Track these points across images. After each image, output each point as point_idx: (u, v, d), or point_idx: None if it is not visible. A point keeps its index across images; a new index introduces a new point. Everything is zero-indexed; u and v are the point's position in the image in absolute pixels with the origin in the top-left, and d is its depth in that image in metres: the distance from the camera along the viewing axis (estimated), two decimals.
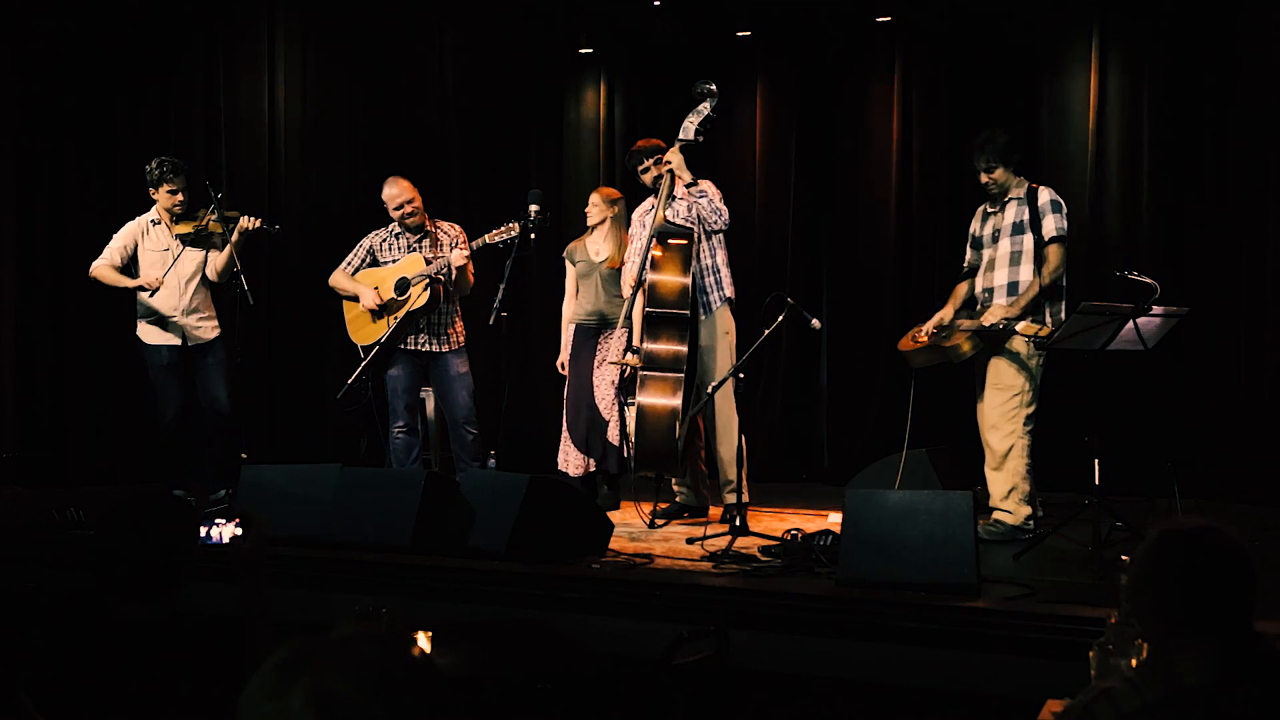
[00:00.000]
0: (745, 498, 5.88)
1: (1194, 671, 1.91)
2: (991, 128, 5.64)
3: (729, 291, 5.95)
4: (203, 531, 2.62)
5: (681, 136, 5.86)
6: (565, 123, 8.32)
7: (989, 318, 5.34)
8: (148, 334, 6.34)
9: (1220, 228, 6.69)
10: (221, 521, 2.66)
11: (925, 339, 5.63)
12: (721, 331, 5.91)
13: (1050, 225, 5.36)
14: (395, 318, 6.12)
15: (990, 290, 5.50)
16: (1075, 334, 4.98)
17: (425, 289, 6.10)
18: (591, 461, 6.30)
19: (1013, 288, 5.41)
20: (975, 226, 5.73)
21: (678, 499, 6.08)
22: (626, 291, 6.04)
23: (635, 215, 6.20)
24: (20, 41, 7.59)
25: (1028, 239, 5.40)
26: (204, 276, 6.37)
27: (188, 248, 6.30)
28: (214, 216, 6.25)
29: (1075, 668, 2.68)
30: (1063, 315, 5.34)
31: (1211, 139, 6.74)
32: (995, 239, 5.53)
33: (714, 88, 5.90)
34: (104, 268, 6.31)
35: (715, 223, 5.86)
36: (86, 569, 2.44)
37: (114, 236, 6.37)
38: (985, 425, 5.46)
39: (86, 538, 5.14)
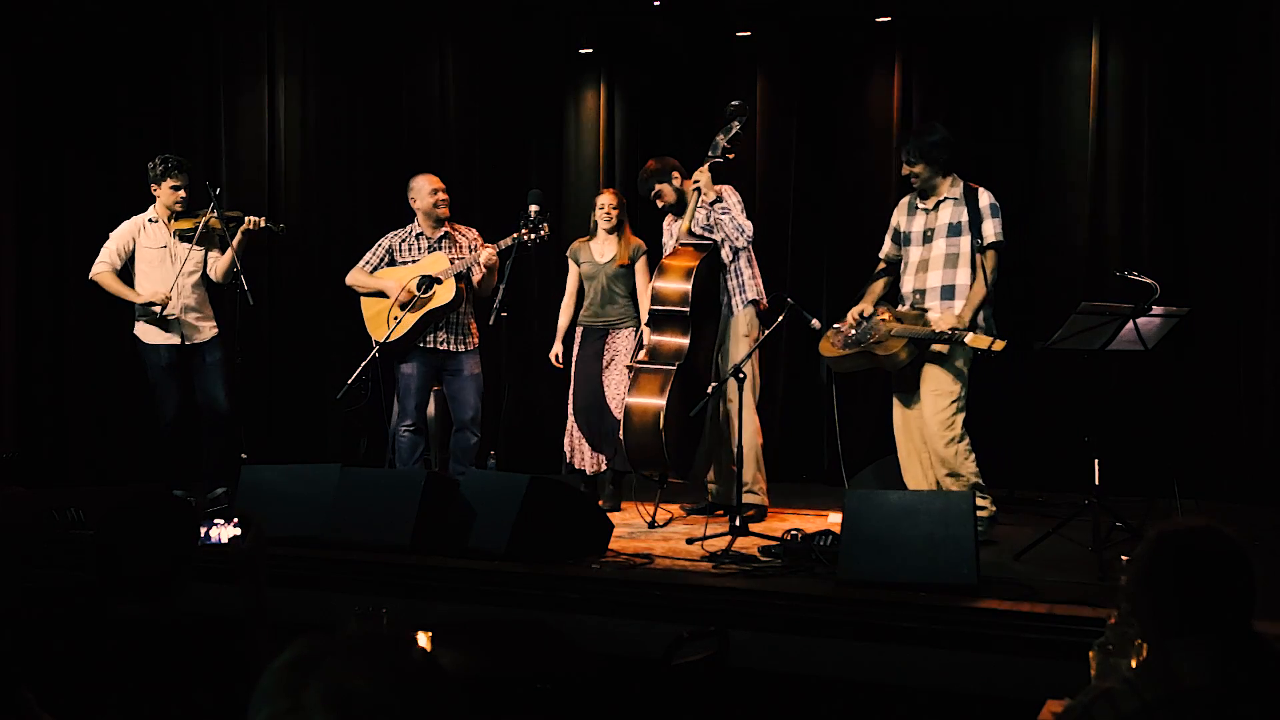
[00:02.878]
0: (763, 500, 5.90)
1: (1193, 672, 1.91)
2: (929, 122, 5.57)
3: (752, 294, 6.04)
4: (202, 531, 2.62)
5: (711, 154, 5.95)
6: (565, 123, 8.33)
7: (939, 325, 5.18)
8: (146, 333, 6.35)
9: (1220, 228, 6.69)
10: (221, 521, 2.66)
11: (848, 336, 5.42)
12: (741, 334, 5.97)
13: (990, 230, 5.25)
14: (417, 314, 6.11)
15: (921, 291, 5.37)
16: (1075, 334, 4.98)
17: (451, 287, 6.11)
18: (602, 460, 6.32)
19: (948, 290, 5.29)
20: (900, 219, 5.58)
21: (710, 497, 6.12)
22: (642, 291, 6.15)
23: (666, 224, 6.30)
24: (20, 41, 7.58)
25: (964, 241, 5.28)
26: (203, 275, 6.38)
27: (187, 246, 6.29)
28: (214, 215, 6.25)
29: (1075, 668, 2.68)
30: (993, 319, 5.30)
31: (1212, 139, 6.74)
32: (927, 239, 5.40)
33: (745, 105, 6.04)
34: (107, 275, 6.31)
35: (738, 240, 5.94)
36: (86, 569, 2.44)
37: (110, 237, 6.37)
38: (927, 433, 5.34)
39: (86, 538, 5.17)
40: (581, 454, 6.38)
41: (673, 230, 6.15)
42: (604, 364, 6.35)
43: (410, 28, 8.16)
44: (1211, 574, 1.96)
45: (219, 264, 6.32)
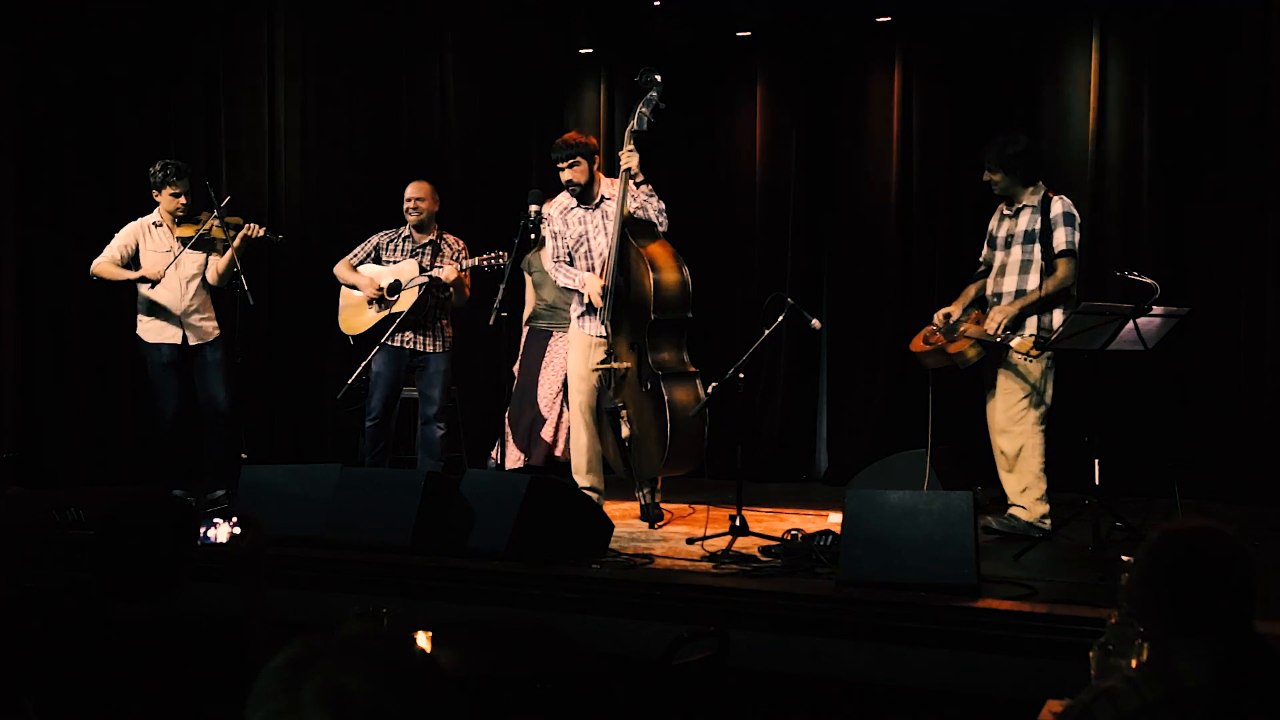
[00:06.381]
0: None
1: (1194, 672, 1.91)
2: (1012, 131, 5.69)
3: None
4: (202, 531, 2.62)
5: (636, 127, 5.79)
6: (565, 123, 8.32)
7: (990, 324, 5.38)
8: (148, 332, 6.38)
9: (1220, 228, 6.69)
10: (220, 521, 2.66)
11: (938, 339, 5.62)
12: None
13: (1060, 239, 5.36)
14: (380, 314, 6.37)
15: (999, 295, 5.53)
16: (1075, 334, 4.99)
17: (414, 295, 6.29)
18: (523, 457, 6.56)
19: (1020, 295, 5.43)
20: (993, 224, 5.73)
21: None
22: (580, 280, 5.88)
23: (555, 213, 5.98)
24: (21, 42, 7.58)
25: (1038, 249, 5.41)
26: (204, 277, 6.41)
27: (189, 249, 6.33)
28: (216, 221, 6.30)
29: (1075, 668, 2.68)
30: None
31: (1211, 139, 6.73)
32: (1008, 244, 5.54)
33: (658, 77, 5.82)
34: (105, 264, 6.38)
35: (662, 223, 5.85)
36: (86, 569, 2.44)
37: (115, 236, 6.44)
38: (995, 429, 5.50)
39: (86, 538, 5.17)
40: (507, 452, 6.56)
41: (571, 220, 5.91)
42: (543, 364, 6.54)
43: (410, 28, 8.15)
44: (1213, 574, 1.96)
45: (217, 266, 6.36)
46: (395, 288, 6.36)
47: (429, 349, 6.40)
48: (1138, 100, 6.89)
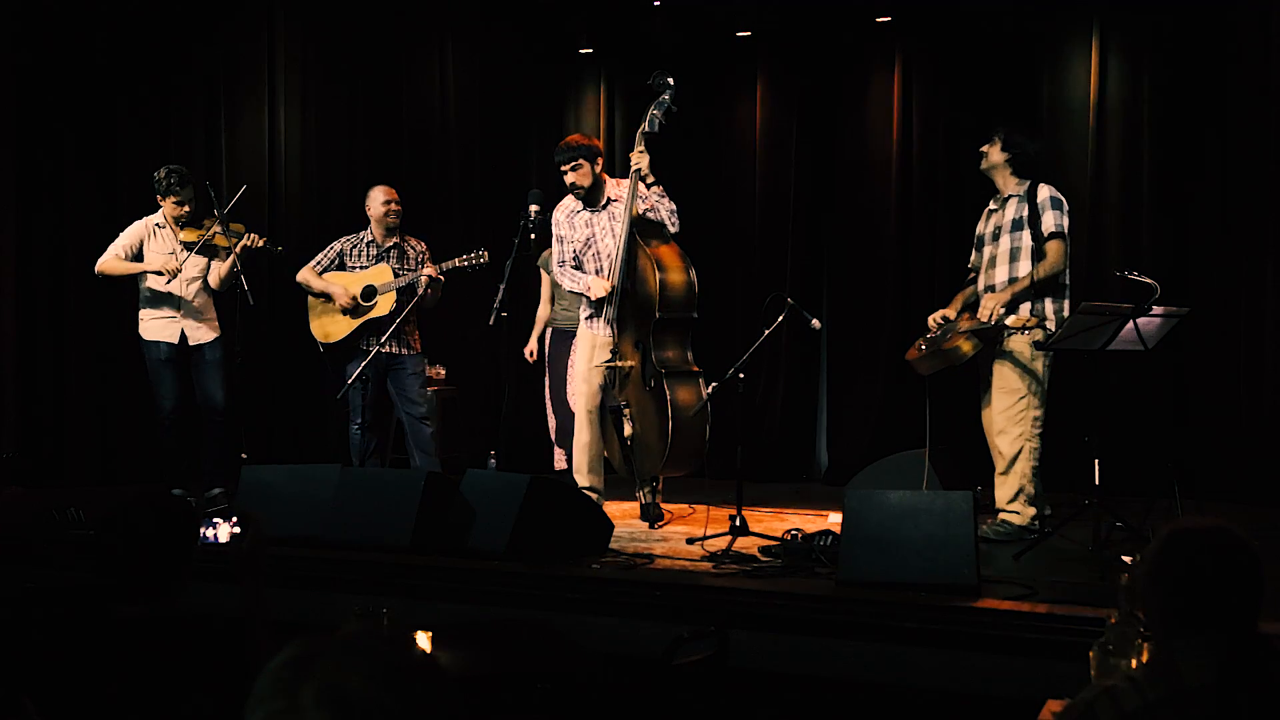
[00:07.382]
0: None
1: (1197, 671, 1.91)
2: (1036, 129, 5.74)
3: None
4: (202, 531, 2.63)
5: (647, 129, 5.79)
6: (565, 123, 8.33)
7: (982, 312, 5.35)
8: (148, 330, 6.42)
9: (1220, 227, 6.70)
10: (219, 521, 2.67)
11: (930, 340, 5.60)
12: None
13: (1049, 221, 5.35)
14: (357, 321, 6.36)
15: (991, 287, 5.49)
16: (1075, 334, 4.98)
17: (391, 299, 6.31)
18: (565, 454, 6.54)
19: (1012, 283, 5.39)
20: (979, 226, 5.74)
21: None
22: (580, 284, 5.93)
23: (561, 216, 5.99)
24: (21, 42, 7.57)
25: (1026, 235, 5.40)
26: (206, 280, 6.43)
27: (193, 255, 6.36)
28: (219, 229, 6.31)
29: (1075, 668, 2.68)
30: (1065, 313, 5.34)
31: (1212, 138, 6.74)
32: (996, 236, 5.53)
33: (670, 79, 5.81)
34: (110, 260, 6.40)
35: (672, 224, 5.86)
36: (86, 569, 2.44)
37: (120, 235, 6.45)
38: (994, 429, 5.47)
39: (86, 538, 5.17)
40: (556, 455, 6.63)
41: (578, 223, 5.92)
42: (569, 364, 6.48)
43: (410, 29, 8.15)
44: (1220, 574, 1.96)
45: (219, 271, 6.39)
46: (370, 292, 6.35)
47: (404, 351, 6.39)
48: (1137, 100, 6.90)
